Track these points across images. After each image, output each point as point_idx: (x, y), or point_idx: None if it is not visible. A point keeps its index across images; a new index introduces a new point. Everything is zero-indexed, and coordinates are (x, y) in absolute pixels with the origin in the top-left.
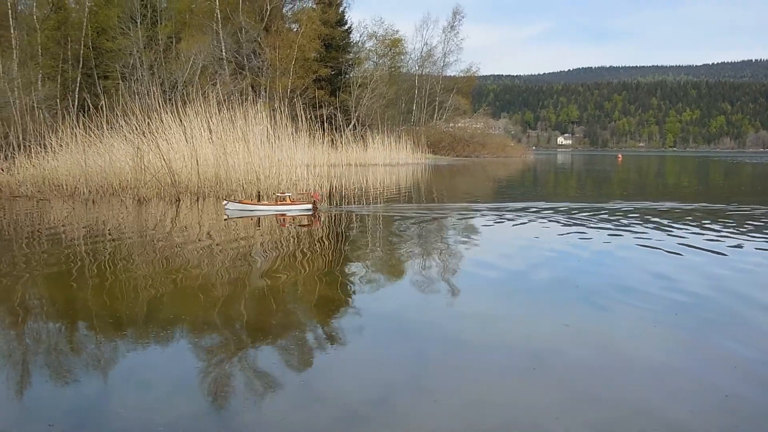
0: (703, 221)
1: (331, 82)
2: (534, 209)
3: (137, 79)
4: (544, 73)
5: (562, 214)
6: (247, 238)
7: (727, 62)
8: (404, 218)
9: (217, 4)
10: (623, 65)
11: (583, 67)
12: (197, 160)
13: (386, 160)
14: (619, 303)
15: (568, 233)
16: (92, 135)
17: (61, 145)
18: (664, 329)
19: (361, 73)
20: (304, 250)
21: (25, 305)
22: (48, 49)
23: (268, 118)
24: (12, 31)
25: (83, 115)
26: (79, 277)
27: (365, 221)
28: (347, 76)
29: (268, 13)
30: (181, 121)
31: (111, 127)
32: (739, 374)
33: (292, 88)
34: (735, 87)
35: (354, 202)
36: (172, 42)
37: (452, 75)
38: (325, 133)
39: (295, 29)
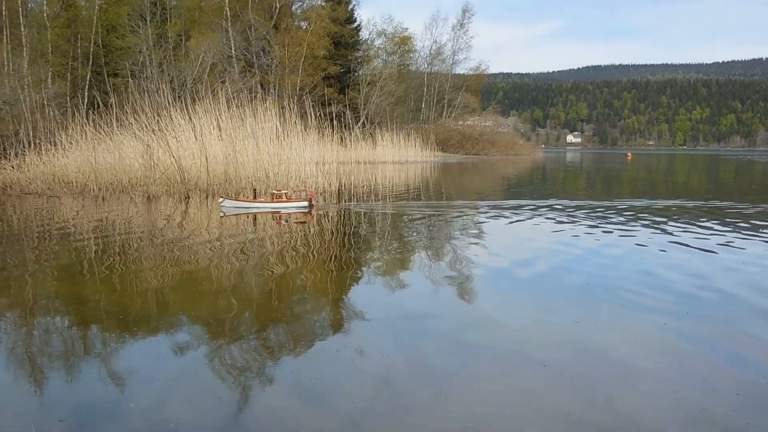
0: (714, 220)
1: (340, 79)
2: (544, 207)
3: (147, 76)
4: (554, 71)
5: (572, 213)
6: (256, 235)
7: (738, 60)
8: (413, 216)
9: (227, 1)
10: (633, 63)
11: (592, 65)
12: (206, 158)
13: (395, 158)
14: (629, 303)
15: (577, 231)
16: (102, 132)
17: (71, 143)
18: (677, 327)
19: (370, 70)
20: (314, 247)
21: (35, 301)
22: (58, 46)
23: (278, 116)
24: (22, 29)
25: (93, 113)
26: (89, 274)
27: (374, 219)
28: (356, 73)
29: (277, 10)
30: (190, 118)
31: (120, 125)
32: (747, 377)
33: (301, 85)
34: (745, 85)
35: (363, 199)
36: (181, 40)
37: (461, 73)
38: (334, 131)
39: (304, 27)
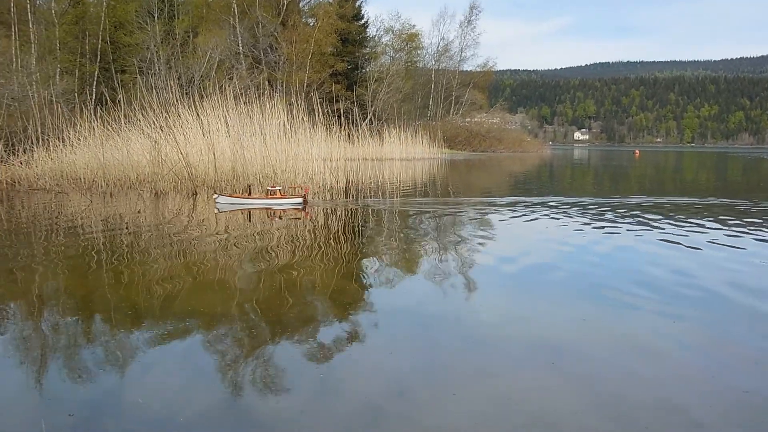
0: (721, 217)
1: (347, 76)
2: (551, 204)
3: (154, 73)
4: (561, 68)
5: (579, 209)
6: (263, 231)
7: (746, 57)
8: (420, 213)
9: None
10: (641, 60)
11: (600, 62)
12: (214, 154)
13: (402, 155)
14: (638, 298)
15: (585, 228)
16: (110, 129)
17: (79, 139)
18: (685, 325)
19: (378, 67)
20: (321, 243)
21: (43, 297)
22: (66, 43)
23: (285, 113)
24: (30, 26)
25: (101, 109)
26: (96, 269)
27: (381, 215)
28: (364, 70)
29: (284, 7)
30: (198, 115)
31: (128, 121)
32: (759, 370)
33: (308, 82)
34: (754, 82)
35: (370, 196)
36: (189, 36)
37: (469, 70)
38: (342, 128)
39: (311, 24)
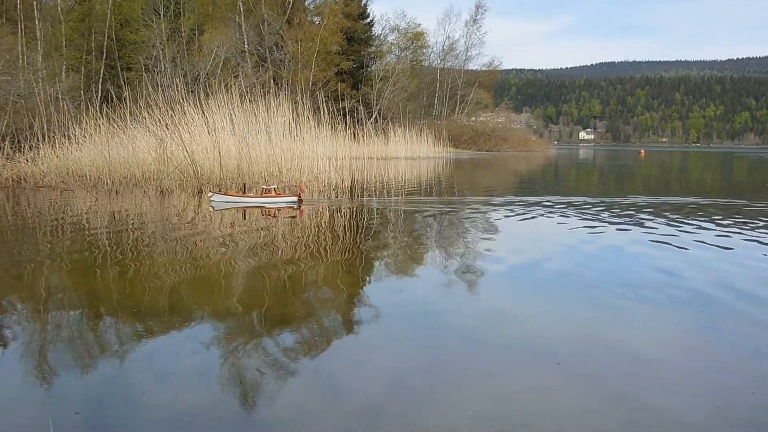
0: (728, 218)
1: (352, 75)
2: (555, 204)
3: (160, 71)
4: (567, 68)
5: (585, 209)
6: (267, 228)
7: (752, 57)
8: (424, 212)
9: None
10: (646, 60)
11: (605, 62)
12: (219, 152)
13: (407, 154)
14: (641, 299)
15: (590, 228)
16: (115, 126)
17: (84, 136)
18: (688, 326)
19: (383, 66)
20: (325, 241)
21: (49, 294)
22: (72, 40)
23: (290, 111)
24: (37, 23)
25: (107, 107)
26: (102, 266)
27: (386, 214)
28: (369, 69)
29: (290, 5)
30: (203, 113)
31: (134, 119)
32: (763, 371)
33: (314, 80)
34: (760, 82)
35: (376, 195)
36: (194, 34)
37: (474, 69)
38: (347, 126)
39: (317, 22)
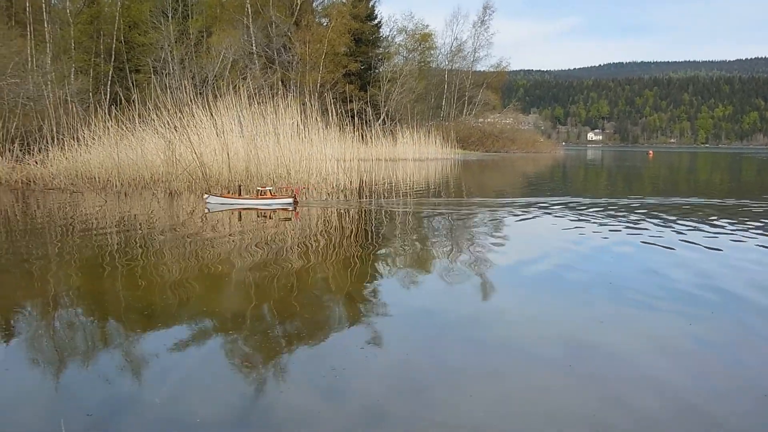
0: (738, 218)
1: (360, 76)
2: (565, 204)
3: (169, 73)
4: (575, 68)
5: (594, 210)
6: (277, 231)
7: (761, 57)
8: (433, 213)
9: None
10: (655, 60)
11: (614, 62)
12: (228, 154)
13: (415, 155)
14: (654, 300)
15: (600, 228)
16: (124, 128)
17: (93, 139)
18: (701, 327)
19: (391, 67)
20: (335, 244)
21: (58, 294)
22: (81, 43)
23: (298, 113)
24: (45, 26)
25: (115, 109)
26: (111, 268)
27: (394, 215)
28: (377, 70)
29: (298, 7)
30: (212, 114)
31: (143, 121)
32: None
33: (321, 82)
34: None
35: (384, 196)
36: (203, 36)
37: (482, 70)
38: (355, 128)
39: (325, 24)
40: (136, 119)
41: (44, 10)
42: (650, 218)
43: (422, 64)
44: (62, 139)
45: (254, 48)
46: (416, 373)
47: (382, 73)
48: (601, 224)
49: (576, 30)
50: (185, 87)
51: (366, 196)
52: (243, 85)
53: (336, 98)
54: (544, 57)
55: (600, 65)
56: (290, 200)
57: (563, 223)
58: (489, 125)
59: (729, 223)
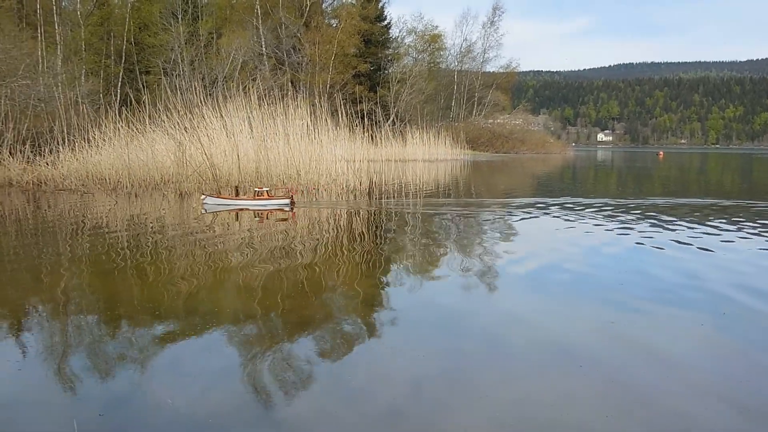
0: (749, 220)
1: (370, 77)
2: (575, 206)
3: (179, 74)
4: (585, 69)
5: (604, 212)
6: (286, 231)
7: None
8: (442, 214)
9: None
10: (665, 61)
11: (624, 63)
12: (238, 155)
13: (425, 156)
14: (664, 302)
15: (610, 231)
16: (135, 129)
17: (104, 140)
18: (711, 329)
19: (400, 68)
20: (343, 244)
21: (70, 295)
22: (91, 44)
23: (308, 114)
24: (56, 27)
25: (126, 110)
26: (122, 269)
27: (404, 216)
28: (386, 71)
29: (307, 8)
30: (221, 116)
31: (153, 122)
32: None
33: (331, 83)
34: None
35: (394, 197)
36: (212, 38)
37: (492, 71)
38: (365, 129)
39: (334, 25)
40: (147, 120)
41: (55, 12)
42: (663, 219)
43: (432, 65)
44: (73, 140)
45: (264, 49)
46: (431, 377)
47: (391, 74)
48: (613, 225)
49: (585, 30)
50: (195, 88)
51: (376, 197)
52: (253, 87)
53: (345, 99)
54: (553, 57)
55: (610, 66)
56: (287, 201)
57: (574, 225)
58: (499, 126)
59: (744, 224)
